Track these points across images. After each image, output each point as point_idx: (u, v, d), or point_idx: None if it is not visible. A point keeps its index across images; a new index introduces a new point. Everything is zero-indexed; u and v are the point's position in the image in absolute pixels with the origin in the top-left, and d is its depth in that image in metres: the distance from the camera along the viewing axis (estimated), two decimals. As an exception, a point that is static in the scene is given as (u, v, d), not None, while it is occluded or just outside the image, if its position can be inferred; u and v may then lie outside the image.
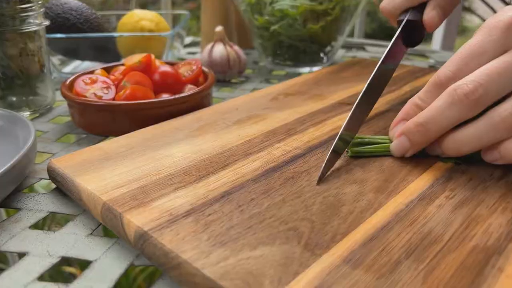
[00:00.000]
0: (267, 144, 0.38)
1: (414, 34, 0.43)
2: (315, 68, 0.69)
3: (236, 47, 0.64)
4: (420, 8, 0.43)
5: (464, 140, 0.31)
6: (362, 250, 0.24)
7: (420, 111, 0.33)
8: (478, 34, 0.31)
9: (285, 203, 0.29)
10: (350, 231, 0.26)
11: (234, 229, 0.26)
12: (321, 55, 0.68)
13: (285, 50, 0.67)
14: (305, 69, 0.69)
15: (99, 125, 0.46)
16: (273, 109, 0.47)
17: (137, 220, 0.28)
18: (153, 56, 0.51)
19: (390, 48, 0.40)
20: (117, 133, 0.46)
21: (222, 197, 0.30)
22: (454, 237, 0.25)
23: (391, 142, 0.36)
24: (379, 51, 0.83)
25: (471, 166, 0.33)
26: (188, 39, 0.91)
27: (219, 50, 0.63)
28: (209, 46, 0.64)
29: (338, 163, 0.34)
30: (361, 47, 0.86)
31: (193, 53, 0.83)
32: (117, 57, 0.68)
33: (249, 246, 0.25)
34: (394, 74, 0.57)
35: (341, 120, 0.43)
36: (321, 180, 0.32)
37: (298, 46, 0.66)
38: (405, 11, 0.44)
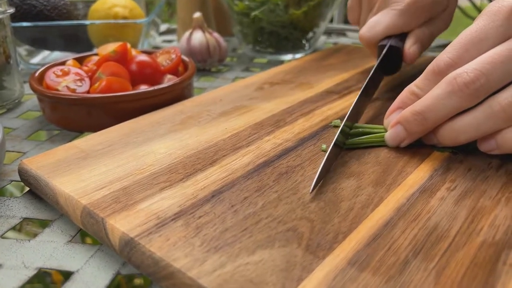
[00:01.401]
0: (255, 137, 0.36)
1: (393, 61, 0.43)
2: (298, 55, 0.67)
3: (216, 34, 0.62)
4: (401, 36, 0.44)
5: (461, 129, 0.30)
6: (368, 250, 0.23)
7: (417, 99, 0.32)
8: (479, 20, 0.29)
9: (281, 201, 0.27)
10: (353, 229, 0.24)
11: (228, 232, 0.25)
12: (303, 41, 0.66)
13: (267, 37, 0.65)
14: (288, 56, 0.67)
15: (73, 121, 0.43)
16: (259, 100, 0.45)
17: (122, 225, 0.25)
18: (128, 45, 0.48)
19: (371, 75, 0.40)
20: (93, 129, 0.43)
21: (213, 197, 0.28)
22: (461, 232, 0.24)
23: (386, 131, 0.34)
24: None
25: (468, 156, 0.32)
26: (163, 26, 0.88)
27: (198, 37, 0.60)
28: (187, 34, 0.61)
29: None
30: (341, 33, 0.84)
31: (170, 41, 0.80)
32: (89, 46, 0.64)
33: (246, 251, 0.23)
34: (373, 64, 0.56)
35: (330, 110, 0.41)
36: (316, 187, 0.28)
37: (280, 33, 0.64)
38: (384, 38, 0.45)
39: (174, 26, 0.88)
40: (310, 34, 0.66)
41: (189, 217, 0.26)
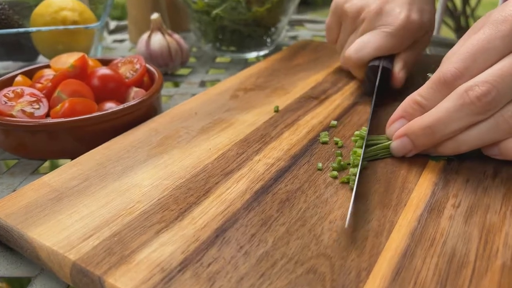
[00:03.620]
0: (244, 158, 0.34)
1: (383, 81, 0.43)
2: (262, 53, 0.65)
3: (176, 36, 0.58)
4: (389, 58, 0.44)
5: (464, 141, 0.30)
6: (395, 287, 0.22)
7: (422, 109, 0.31)
8: (485, 29, 0.29)
9: (291, 235, 0.26)
10: (373, 263, 0.24)
11: (245, 281, 0.23)
12: (265, 38, 0.64)
13: (228, 36, 0.62)
14: (251, 54, 0.65)
15: (34, 148, 0.38)
16: (236, 110, 0.42)
17: (124, 284, 0.23)
18: (86, 57, 0.43)
19: (374, 99, 0.40)
20: (57, 155, 0.39)
21: (217, 237, 0.26)
22: (479, 256, 0.24)
23: (388, 140, 0.34)
24: (318, 27, 0.80)
25: (462, 164, 0.32)
26: (111, 24, 0.82)
27: (158, 40, 0.56)
28: (145, 37, 0.57)
29: (327, 175, 0.32)
30: (299, 24, 0.83)
31: (121, 41, 0.75)
32: (33, 54, 0.58)
33: (270, 302, 0.21)
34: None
35: (314, 118, 0.40)
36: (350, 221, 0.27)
37: (242, 31, 0.61)
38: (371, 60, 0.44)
39: (123, 23, 0.82)
40: (272, 30, 0.64)
41: (197, 266, 0.24)
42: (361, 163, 0.31)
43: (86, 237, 0.26)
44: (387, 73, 0.43)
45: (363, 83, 0.45)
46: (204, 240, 0.26)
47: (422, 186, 0.30)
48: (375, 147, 0.34)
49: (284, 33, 0.76)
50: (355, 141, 0.35)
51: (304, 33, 0.77)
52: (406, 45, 0.44)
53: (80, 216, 0.28)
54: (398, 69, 0.43)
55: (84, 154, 0.35)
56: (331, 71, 0.52)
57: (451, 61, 0.30)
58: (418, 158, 0.33)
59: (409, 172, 0.32)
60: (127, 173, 0.33)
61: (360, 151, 0.32)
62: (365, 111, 0.41)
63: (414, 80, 0.47)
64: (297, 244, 0.25)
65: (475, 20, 1.37)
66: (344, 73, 0.51)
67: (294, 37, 0.75)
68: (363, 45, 0.43)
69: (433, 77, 0.31)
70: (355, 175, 0.30)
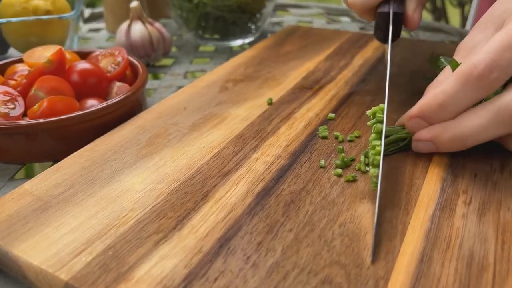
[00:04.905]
0: (241, 156, 0.32)
1: (394, 27, 0.37)
2: (247, 40, 0.63)
3: (157, 24, 0.55)
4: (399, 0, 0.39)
5: (471, 140, 0.29)
6: (416, 297, 0.21)
7: (443, 112, 0.29)
8: None
9: (301, 242, 0.24)
10: (390, 270, 0.22)
11: (257, 296, 0.21)
12: (250, 25, 0.62)
13: (212, 23, 0.59)
14: (236, 42, 0.62)
15: (11, 152, 0.35)
16: (227, 104, 0.40)
17: (124, 306, 0.21)
18: (63, 50, 0.40)
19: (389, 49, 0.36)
20: (37, 159, 0.36)
21: (221, 247, 0.24)
22: (498, 258, 0.23)
23: (404, 130, 0.32)
24: (303, 12, 0.78)
25: (467, 156, 0.31)
26: (85, 12, 0.77)
27: (139, 29, 0.53)
28: (124, 26, 0.53)
29: (331, 173, 0.30)
30: (283, 9, 0.80)
31: (97, 30, 0.71)
32: (3, 47, 0.54)
33: (285, 320, 0.20)
34: (336, 46, 0.54)
35: (310, 111, 0.38)
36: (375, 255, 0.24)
37: (226, 18, 0.58)
38: (379, 4, 0.39)
39: (97, 10, 0.78)
40: (257, 16, 0.62)
41: (202, 282, 0.22)
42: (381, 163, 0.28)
43: (78, 253, 0.24)
44: (399, 17, 0.38)
45: (375, 31, 0.40)
46: (207, 251, 0.24)
47: (430, 182, 0.29)
48: (393, 143, 0.32)
49: (269, 19, 0.73)
50: (373, 124, 0.31)
51: (289, 18, 0.75)
52: None
53: (68, 229, 0.26)
54: (412, 10, 0.37)
55: (67, 158, 0.33)
56: (322, 59, 0.50)
57: (481, 53, 0.27)
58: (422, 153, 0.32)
59: (415, 167, 0.30)
60: (116, 177, 0.30)
61: (379, 147, 0.28)
62: (362, 102, 0.40)
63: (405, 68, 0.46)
64: (308, 252, 0.24)
65: (451, 2, 1.37)
66: (335, 60, 0.49)
67: (278, 23, 0.73)
68: None
69: (462, 69, 0.28)
70: (377, 178, 0.27)
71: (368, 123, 0.31)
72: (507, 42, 0.26)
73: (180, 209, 0.27)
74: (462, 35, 0.64)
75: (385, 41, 0.39)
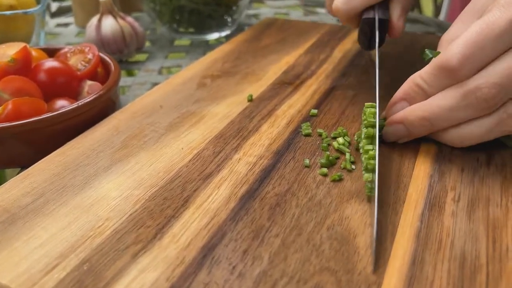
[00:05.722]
0: (222, 157, 0.31)
1: (381, 34, 0.37)
2: (223, 33, 0.61)
3: (129, 19, 0.52)
4: (383, 5, 0.38)
5: (468, 135, 0.29)
6: (410, 303, 0.20)
7: (423, 94, 0.29)
8: (495, 11, 0.26)
9: (288, 248, 0.23)
10: (382, 275, 0.21)
11: (244, 309, 0.20)
12: (226, 17, 0.60)
13: (187, 16, 0.57)
14: (213, 35, 0.60)
15: (-26, 159, 0.33)
16: (205, 101, 0.39)
17: (102, 327, 0.19)
18: (29, 47, 0.38)
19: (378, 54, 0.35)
20: (3, 165, 0.34)
21: (204, 257, 0.23)
22: (491, 257, 0.22)
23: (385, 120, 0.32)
24: (279, 4, 0.77)
25: (453, 150, 0.31)
26: (52, 5, 0.74)
27: (110, 24, 0.50)
28: (94, 21, 0.51)
29: (316, 173, 0.29)
30: (259, 0, 0.79)
31: (65, 25, 0.67)
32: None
33: (276, 334, 0.19)
34: (315, 39, 0.53)
35: (291, 108, 0.37)
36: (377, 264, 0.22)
37: (202, 11, 0.56)
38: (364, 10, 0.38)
39: (65, 4, 0.74)
40: (234, 9, 0.60)
41: (186, 295, 0.21)
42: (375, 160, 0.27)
43: (50, 269, 0.22)
44: (384, 24, 0.37)
45: (359, 38, 0.40)
46: (190, 262, 0.22)
47: (418, 179, 0.28)
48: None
49: (245, 11, 0.72)
50: (365, 125, 0.30)
51: (265, 10, 0.74)
52: None
53: (39, 242, 0.24)
54: (397, 17, 0.37)
55: (36, 164, 0.31)
56: (302, 52, 0.49)
57: (456, 46, 0.27)
58: (408, 145, 0.31)
59: (402, 163, 0.30)
60: (90, 184, 0.29)
61: (372, 151, 0.27)
62: (344, 96, 0.39)
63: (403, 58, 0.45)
64: (296, 258, 0.22)
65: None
66: (315, 54, 0.48)
67: (255, 15, 0.71)
68: None
69: (436, 62, 0.28)
70: (371, 183, 0.26)
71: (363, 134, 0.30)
72: (479, 37, 0.26)
73: (160, 217, 0.26)
74: (440, 26, 0.64)
75: (369, 47, 0.39)
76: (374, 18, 0.37)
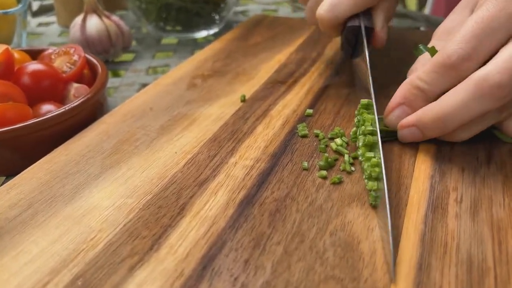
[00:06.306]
0: (218, 161, 0.30)
1: (367, 42, 0.36)
2: (212, 31, 0.60)
3: (115, 17, 0.51)
4: (367, 14, 0.38)
5: (477, 128, 0.29)
6: (419, 311, 0.19)
7: (423, 95, 0.29)
8: (488, 5, 0.26)
9: (291, 256, 0.22)
10: (389, 282, 0.21)
11: (249, 324, 0.19)
12: (214, 15, 0.59)
13: (174, 14, 0.56)
14: (201, 34, 0.59)
15: (-44, 168, 0.31)
16: (197, 103, 0.38)
17: None
18: (11, 49, 0.36)
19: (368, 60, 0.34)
20: (-11, 174, 0.32)
21: (204, 268, 0.22)
22: (497, 260, 0.22)
23: (386, 127, 0.31)
24: (267, 1, 0.75)
25: (453, 149, 0.30)
26: (34, 4, 0.71)
27: (95, 24, 0.49)
28: (78, 21, 0.49)
29: (315, 176, 0.28)
30: (245, -3, 0.77)
31: (47, 24, 0.65)
32: None
33: None
34: (306, 36, 0.52)
35: (286, 108, 0.36)
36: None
37: (189, 8, 0.55)
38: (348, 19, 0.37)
39: (47, 2, 0.72)
40: (222, 6, 0.59)
41: (188, 311, 0.20)
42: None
43: (41, 286, 0.21)
44: (369, 32, 0.37)
45: (342, 47, 0.39)
46: (190, 274, 0.22)
47: (419, 180, 0.28)
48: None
49: (233, 8, 0.70)
50: (362, 136, 0.29)
51: (253, 7, 0.72)
52: None
53: (29, 257, 0.23)
54: (380, 26, 0.37)
55: (23, 172, 0.29)
56: (293, 50, 0.48)
57: (454, 43, 0.27)
58: (407, 144, 0.31)
59: (401, 164, 0.29)
60: (80, 193, 0.27)
61: (375, 159, 0.26)
62: (338, 95, 0.38)
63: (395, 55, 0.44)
64: (300, 267, 0.22)
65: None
66: (307, 51, 0.47)
67: (243, 12, 0.70)
68: (336, 1, 0.36)
69: (436, 59, 0.28)
70: (376, 192, 0.25)
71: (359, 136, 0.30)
72: (477, 31, 0.26)
73: (155, 227, 0.25)
74: (428, 20, 0.64)
75: (352, 56, 0.38)
76: (359, 26, 0.36)
